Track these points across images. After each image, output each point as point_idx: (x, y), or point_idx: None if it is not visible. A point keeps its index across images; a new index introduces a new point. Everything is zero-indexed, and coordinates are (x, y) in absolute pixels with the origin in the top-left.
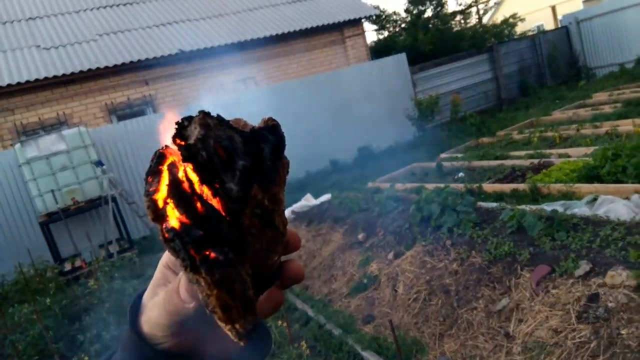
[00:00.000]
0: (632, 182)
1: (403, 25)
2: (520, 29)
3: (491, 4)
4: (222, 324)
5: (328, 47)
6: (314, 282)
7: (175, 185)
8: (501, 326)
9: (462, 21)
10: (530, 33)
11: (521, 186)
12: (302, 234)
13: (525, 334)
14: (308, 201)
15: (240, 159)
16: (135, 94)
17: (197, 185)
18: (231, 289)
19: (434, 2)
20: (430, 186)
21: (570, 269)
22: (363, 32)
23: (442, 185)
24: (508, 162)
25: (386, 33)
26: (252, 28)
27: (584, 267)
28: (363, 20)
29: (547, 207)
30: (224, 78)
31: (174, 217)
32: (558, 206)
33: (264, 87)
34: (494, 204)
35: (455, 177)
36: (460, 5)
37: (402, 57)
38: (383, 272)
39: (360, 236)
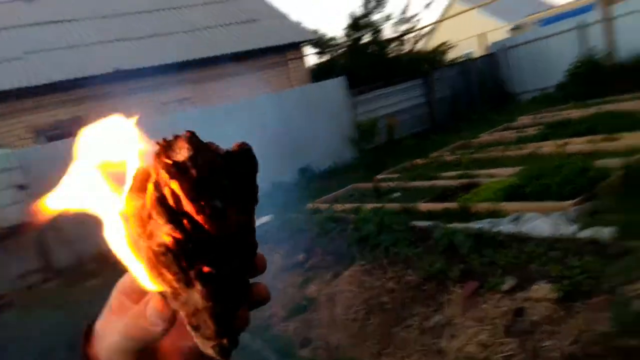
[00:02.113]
0: (554, 201)
1: (342, 50)
2: (452, 55)
3: (424, 31)
4: (204, 341)
5: (270, 69)
6: None
7: (162, 202)
8: (434, 342)
9: (398, 47)
10: (461, 60)
11: (452, 205)
12: None
13: (457, 349)
14: None
15: (223, 178)
16: (65, 114)
17: (184, 202)
18: (225, 303)
19: (371, 29)
20: (368, 206)
21: (497, 284)
22: (304, 55)
23: (379, 205)
24: (440, 183)
25: (326, 57)
26: (193, 48)
27: (510, 282)
28: (304, 43)
29: (476, 225)
30: (159, 98)
31: (162, 233)
32: (485, 224)
33: (202, 108)
34: (428, 223)
35: (392, 197)
36: (395, 32)
37: (342, 80)
38: (322, 292)
39: (300, 257)
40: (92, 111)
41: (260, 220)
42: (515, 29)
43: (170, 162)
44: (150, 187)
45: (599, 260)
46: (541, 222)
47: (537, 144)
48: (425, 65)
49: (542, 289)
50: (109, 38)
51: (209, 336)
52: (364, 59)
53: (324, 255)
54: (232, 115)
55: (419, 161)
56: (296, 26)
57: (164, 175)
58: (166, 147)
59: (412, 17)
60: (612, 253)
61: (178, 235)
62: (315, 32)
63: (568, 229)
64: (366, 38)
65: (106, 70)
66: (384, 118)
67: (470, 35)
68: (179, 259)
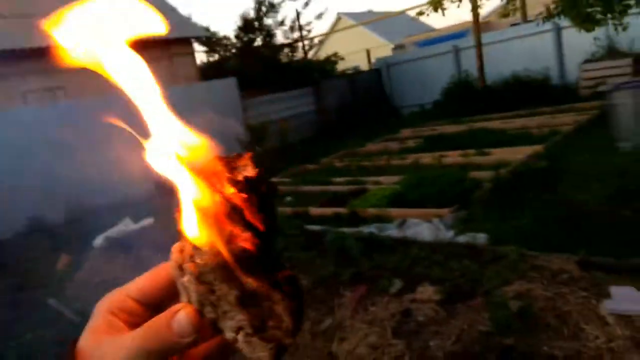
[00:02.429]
0: (433, 207)
1: (233, 51)
2: (340, 66)
3: (316, 41)
4: (261, 344)
5: (154, 62)
6: None
7: (236, 211)
8: (325, 346)
9: (290, 54)
10: (349, 72)
11: (342, 210)
12: (118, 263)
13: (347, 352)
14: (126, 226)
15: (271, 196)
16: None
17: (248, 213)
18: (299, 304)
19: (263, 32)
20: None
21: (385, 287)
22: (193, 51)
23: None
24: (331, 188)
25: (216, 56)
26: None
27: (398, 284)
28: (193, 40)
29: (365, 229)
30: (25, 87)
31: (243, 239)
32: (374, 228)
33: (75, 99)
34: (319, 227)
35: (284, 201)
36: (288, 39)
37: (233, 81)
38: None
39: None
40: None
41: (141, 223)
42: (397, 47)
43: (241, 178)
44: (218, 196)
45: (476, 264)
46: (423, 227)
47: (417, 155)
48: (316, 74)
49: (426, 291)
50: None
51: (275, 337)
52: (255, 62)
53: None
54: (109, 108)
55: (309, 166)
56: (185, 20)
57: (229, 189)
58: (229, 163)
59: (304, 25)
60: (487, 257)
61: (256, 242)
62: (206, 29)
63: (447, 235)
64: (258, 41)
65: None
66: (276, 122)
67: (357, 49)
68: (263, 263)
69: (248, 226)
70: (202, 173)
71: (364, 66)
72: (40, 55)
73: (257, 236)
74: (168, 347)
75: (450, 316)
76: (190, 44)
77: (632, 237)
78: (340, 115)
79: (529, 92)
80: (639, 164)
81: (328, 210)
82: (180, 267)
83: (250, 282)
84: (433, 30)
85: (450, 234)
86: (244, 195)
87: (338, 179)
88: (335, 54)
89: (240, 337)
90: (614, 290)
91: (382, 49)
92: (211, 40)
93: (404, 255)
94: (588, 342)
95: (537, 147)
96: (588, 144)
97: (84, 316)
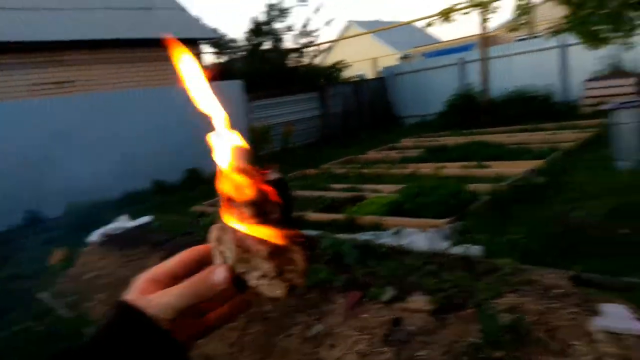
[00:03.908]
0: (430, 218)
1: (241, 53)
2: (346, 74)
3: (323, 47)
4: (279, 283)
5: (162, 62)
6: None
7: (268, 197)
8: (314, 352)
9: (297, 59)
10: (355, 79)
11: (339, 217)
12: (114, 259)
13: (336, 358)
14: (124, 223)
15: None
16: None
17: (276, 197)
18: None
19: (272, 36)
20: None
21: (378, 294)
22: (202, 52)
23: None
24: (329, 194)
25: (224, 58)
26: (82, 28)
27: (390, 292)
28: (202, 41)
29: (361, 236)
30: (35, 78)
31: (276, 211)
32: (369, 236)
33: (85, 94)
34: (316, 232)
35: None
36: (296, 43)
37: (240, 83)
38: None
39: None
40: None
41: (138, 221)
42: (404, 57)
43: (272, 179)
44: (257, 187)
45: (469, 276)
46: (418, 237)
47: (417, 165)
48: (322, 79)
49: (418, 301)
50: None
51: (290, 279)
52: (263, 65)
53: None
54: (121, 105)
55: (310, 171)
56: (195, 22)
57: (265, 186)
58: (259, 170)
59: (313, 31)
60: (480, 269)
61: (280, 213)
62: (215, 30)
63: (442, 245)
64: (266, 45)
65: None
66: (279, 126)
67: (363, 58)
68: (285, 226)
69: (275, 203)
70: (244, 171)
71: (370, 74)
72: (54, 48)
73: (281, 210)
74: (208, 291)
75: (440, 327)
76: (198, 45)
77: (626, 255)
78: (344, 122)
79: (531, 107)
80: (636, 183)
81: (325, 216)
82: (219, 239)
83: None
84: (440, 42)
85: (445, 244)
86: (272, 189)
87: (337, 186)
88: (341, 61)
89: (263, 282)
90: (605, 307)
91: (389, 58)
92: (219, 42)
93: (398, 264)
94: (576, 358)
95: (537, 163)
96: (587, 162)
97: (75, 310)
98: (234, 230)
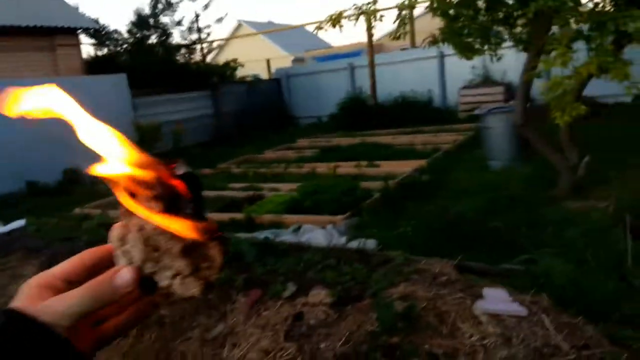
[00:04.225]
0: (327, 214)
1: (125, 46)
2: (240, 73)
3: (215, 45)
4: (193, 282)
5: (36, 52)
6: None
7: (177, 192)
8: (216, 353)
9: (187, 55)
10: (249, 79)
11: (238, 216)
12: None
13: (239, 357)
14: None
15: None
16: None
17: (186, 192)
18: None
19: (159, 30)
20: None
21: (279, 291)
22: (79, 43)
23: None
24: (227, 193)
25: (105, 50)
26: None
27: (291, 288)
28: (79, 31)
29: (260, 235)
30: None
31: (186, 208)
32: (269, 234)
33: None
34: None
35: None
36: (185, 40)
37: (123, 77)
38: None
39: None
40: None
41: (9, 226)
42: (297, 60)
43: (181, 173)
44: (163, 181)
45: (366, 268)
46: (317, 233)
47: (313, 164)
48: (215, 78)
49: (318, 295)
50: None
51: (206, 276)
52: (149, 60)
53: None
54: None
55: (206, 171)
56: (71, 10)
57: (174, 180)
58: (166, 163)
59: (203, 28)
60: (375, 262)
61: (192, 206)
62: (95, 21)
63: (340, 240)
64: (153, 39)
65: None
66: (170, 124)
67: (257, 58)
68: (198, 221)
69: (186, 198)
70: (148, 165)
71: (264, 76)
72: None
73: (192, 203)
74: (112, 295)
75: (340, 318)
76: (76, 35)
77: (501, 244)
78: (238, 121)
79: (415, 111)
80: (506, 180)
81: (224, 216)
82: (123, 239)
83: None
84: (331, 47)
85: (343, 239)
86: (181, 182)
87: (235, 185)
88: (234, 60)
89: (176, 281)
90: (486, 291)
91: (282, 60)
92: (100, 33)
93: (298, 260)
94: (464, 339)
95: (421, 162)
96: (465, 161)
97: None
98: (141, 228)
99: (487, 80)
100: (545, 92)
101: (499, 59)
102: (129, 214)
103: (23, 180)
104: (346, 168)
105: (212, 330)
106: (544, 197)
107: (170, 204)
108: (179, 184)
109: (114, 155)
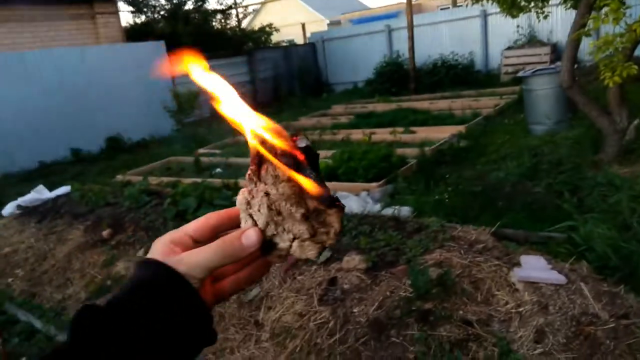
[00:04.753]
0: (361, 182)
1: (162, 13)
2: (275, 38)
3: (250, 10)
4: (312, 245)
5: (74, 21)
6: (43, 288)
7: (300, 161)
8: (251, 315)
9: (223, 21)
10: (284, 44)
11: None
12: (30, 232)
13: (274, 320)
14: (40, 194)
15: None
16: None
17: (308, 162)
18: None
19: None
20: (188, 181)
21: None
22: (117, 11)
23: (199, 180)
24: None
25: (143, 17)
26: None
27: (326, 254)
28: None
29: None
30: None
31: (310, 180)
32: None
33: None
34: None
35: (213, 172)
36: (221, 4)
37: (161, 44)
38: (131, 271)
39: (105, 233)
40: None
41: (56, 192)
42: (333, 23)
43: (302, 146)
44: (289, 151)
45: (400, 234)
46: (351, 200)
47: (348, 131)
48: (250, 43)
49: (352, 260)
50: None
51: (323, 240)
52: (185, 26)
53: (135, 230)
54: (26, 64)
55: (241, 138)
56: None
57: (297, 152)
58: (291, 137)
59: None
60: (410, 228)
61: (315, 177)
62: None
63: (374, 207)
64: (189, 5)
65: None
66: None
67: (293, 23)
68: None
69: (308, 169)
70: (279, 134)
71: (299, 40)
72: None
73: (314, 174)
74: (239, 252)
75: (374, 284)
76: (115, 3)
77: (542, 210)
78: (274, 88)
79: (455, 75)
80: (548, 145)
81: None
82: (249, 202)
83: (311, 202)
84: (368, 8)
85: (377, 206)
86: (302, 154)
87: None
88: (270, 25)
89: (295, 244)
90: (523, 259)
91: (318, 24)
92: (138, 1)
93: None
94: (499, 306)
95: (460, 127)
96: (505, 126)
97: None
98: (267, 193)
99: (532, 41)
100: (594, 51)
101: (545, 17)
102: (255, 179)
103: (68, 148)
104: (382, 135)
105: (249, 293)
106: (590, 162)
107: (297, 170)
108: (300, 155)
109: (253, 124)
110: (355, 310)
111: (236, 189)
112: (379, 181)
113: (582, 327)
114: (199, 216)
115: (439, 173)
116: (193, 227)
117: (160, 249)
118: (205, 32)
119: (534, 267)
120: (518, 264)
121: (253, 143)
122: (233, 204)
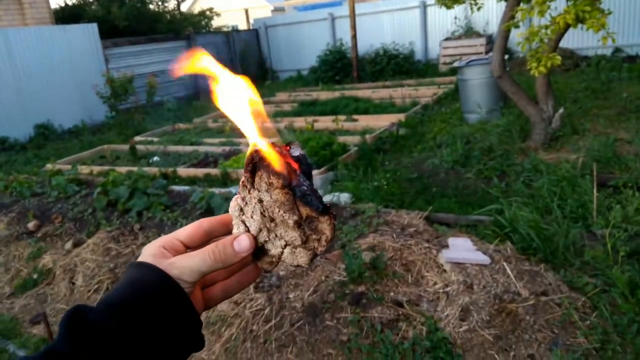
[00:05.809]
0: None
1: None
2: (217, 23)
3: None
4: (304, 252)
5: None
6: None
7: (295, 170)
8: None
9: (160, 3)
10: (225, 29)
11: (213, 171)
12: None
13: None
14: None
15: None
16: None
17: (301, 171)
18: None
19: None
20: (122, 169)
21: None
22: None
23: (134, 168)
24: (202, 149)
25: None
26: None
27: None
28: None
29: (234, 189)
30: None
31: (299, 184)
32: None
33: None
34: (186, 187)
35: (150, 161)
36: None
37: (93, 27)
38: (59, 264)
39: (31, 225)
40: None
41: None
42: (277, 10)
43: (296, 155)
44: (284, 161)
45: (338, 220)
46: None
47: (291, 119)
48: (190, 27)
49: None
50: None
51: (314, 247)
52: (120, 9)
53: (64, 222)
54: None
55: (181, 126)
56: None
57: (291, 161)
58: (284, 145)
59: None
60: (347, 214)
61: (308, 185)
62: None
63: None
64: None
65: None
66: (143, 77)
67: (235, 8)
68: (314, 198)
69: (302, 177)
70: (273, 146)
71: (242, 26)
72: None
73: (308, 183)
74: (231, 257)
75: (309, 269)
76: None
77: (472, 195)
78: None
79: (396, 64)
80: (480, 133)
81: (198, 171)
82: (241, 209)
83: (304, 210)
84: None
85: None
86: (296, 164)
87: (211, 140)
88: (210, 9)
89: (286, 250)
90: (451, 241)
91: (262, 10)
92: None
93: None
94: (428, 287)
95: (400, 116)
96: (443, 115)
97: None
98: (260, 200)
99: (469, 32)
100: (521, 42)
101: (479, 8)
102: (249, 186)
103: None
104: (324, 122)
105: None
106: (518, 149)
107: (287, 177)
108: (294, 163)
109: (252, 130)
110: (290, 296)
111: (174, 178)
112: (320, 168)
113: (504, 304)
114: (131, 206)
115: (379, 160)
116: (184, 232)
117: (151, 252)
118: (142, 14)
119: (461, 248)
120: (447, 246)
121: (249, 150)
122: (170, 193)
